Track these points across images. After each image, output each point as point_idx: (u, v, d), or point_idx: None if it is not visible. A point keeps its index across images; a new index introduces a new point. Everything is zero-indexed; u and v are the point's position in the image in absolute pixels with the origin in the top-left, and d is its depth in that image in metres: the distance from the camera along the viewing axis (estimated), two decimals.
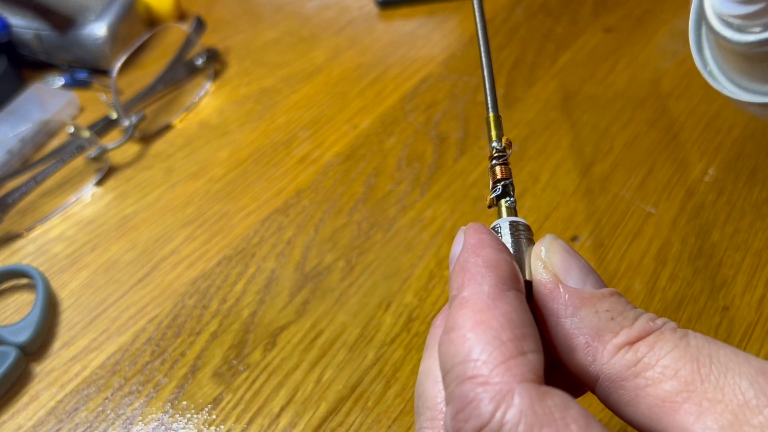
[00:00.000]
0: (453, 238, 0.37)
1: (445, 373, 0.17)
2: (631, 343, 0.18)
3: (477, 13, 0.26)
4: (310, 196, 0.41)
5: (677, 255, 0.36)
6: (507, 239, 0.21)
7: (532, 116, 0.45)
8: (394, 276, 0.36)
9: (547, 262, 0.19)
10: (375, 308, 0.35)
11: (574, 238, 0.37)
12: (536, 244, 0.20)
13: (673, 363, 0.17)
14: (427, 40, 0.52)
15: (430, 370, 0.19)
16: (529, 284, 0.20)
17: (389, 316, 0.34)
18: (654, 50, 0.49)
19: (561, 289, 0.19)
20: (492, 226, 0.22)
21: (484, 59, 0.25)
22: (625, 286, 0.35)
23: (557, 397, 0.16)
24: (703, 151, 0.42)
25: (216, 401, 0.32)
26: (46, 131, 0.46)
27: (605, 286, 0.19)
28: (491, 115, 0.25)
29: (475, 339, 0.17)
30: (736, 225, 0.37)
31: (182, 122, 0.47)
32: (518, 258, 0.20)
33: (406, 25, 0.54)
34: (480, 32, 0.26)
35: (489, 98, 0.25)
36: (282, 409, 0.31)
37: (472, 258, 0.19)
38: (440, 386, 0.19)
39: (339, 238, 0.38)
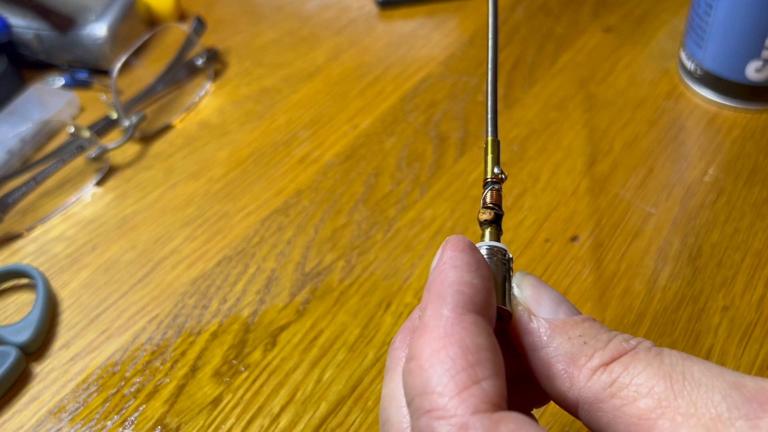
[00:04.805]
0: None
1: (409, 403, 0.18)
2: (606, 364, 0.18)
3: (490, 45, 0.26)
4: (310, 196, 0.41)
5: (677, 255, 0.36)
6: None
7: (532, 116, 0.45)
8: (394, 276, 0.36)
9: (519, 298, 0.20)
10: (375, 308, 0.35)
11: (574, 238, 0.37)
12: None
13: (647, 381, 0.17)
14: (427, 40, 0.52)
15: (394, 394, 0.19)
16: (507, 314, 0.20)
17: (389, 316, 0.34)
18: (654, 50, 0.49)
19: (534, 322, 0.19)
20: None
21: (490, 89, 0.25)
22: (625, 286, 0.35)
23: (511, 423, 0.16)
24: (703, 151, 0.42)
25: (216, 401, 0.32)
26: (46, 131, 0.46)
27: (579, 313, 0.20)
28: (490, 139, 0.24)
29: (431, 370, 0.17)
30: (736, 225, 0.37)
31: (182, 122, 0.47)
32: (495, 282, 0.20)
33: (406, 25, 0.54)
34: (490, 62, 0.26)
35: (490, 122, 0.24)
36: (282, 409, 0.31)
37: (439, 277, 0.19)
38: (405, 411, 0.19)
39: (339, 238, 0.38)
